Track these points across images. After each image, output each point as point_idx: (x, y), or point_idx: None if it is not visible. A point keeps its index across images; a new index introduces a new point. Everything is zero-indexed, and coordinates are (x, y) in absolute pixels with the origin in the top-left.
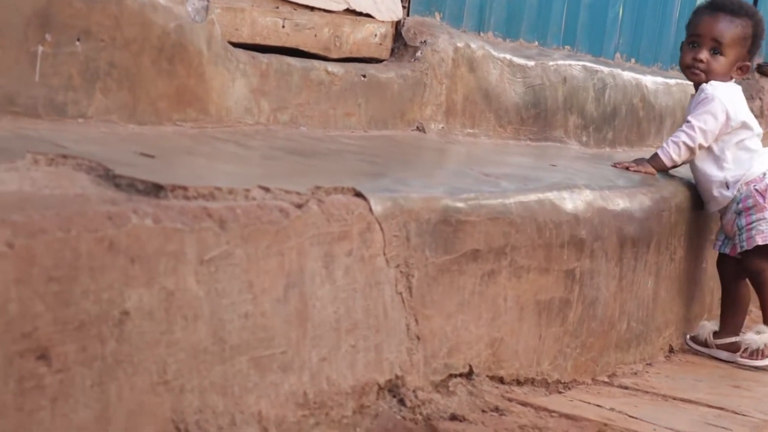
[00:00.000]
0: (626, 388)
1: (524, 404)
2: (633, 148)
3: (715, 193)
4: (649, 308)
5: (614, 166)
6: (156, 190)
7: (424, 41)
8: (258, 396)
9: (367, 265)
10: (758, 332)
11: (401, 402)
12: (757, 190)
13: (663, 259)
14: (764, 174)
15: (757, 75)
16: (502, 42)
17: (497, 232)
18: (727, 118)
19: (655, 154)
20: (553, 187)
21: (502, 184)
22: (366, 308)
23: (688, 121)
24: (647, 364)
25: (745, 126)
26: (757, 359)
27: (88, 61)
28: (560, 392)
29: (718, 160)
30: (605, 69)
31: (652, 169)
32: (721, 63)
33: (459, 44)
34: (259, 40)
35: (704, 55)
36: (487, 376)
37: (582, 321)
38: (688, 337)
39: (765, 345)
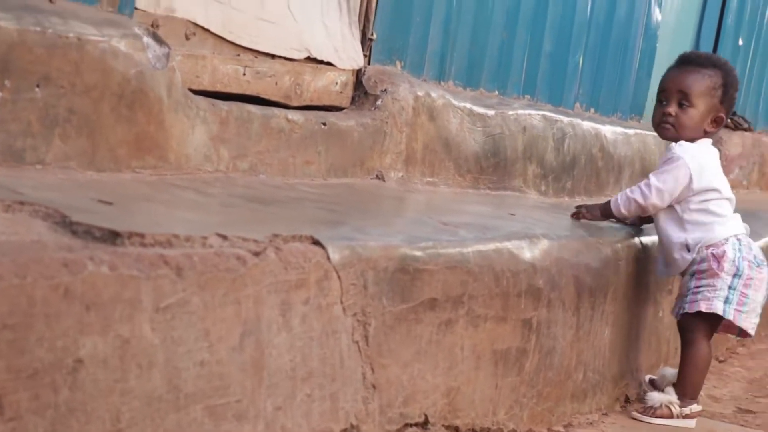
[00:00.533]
0: None
1: None
2: (592, 197)
3: (676, 255)
4: (605, 358)
5: (572, 216)
6: (113, 237)
7: (385, 90)
8: None
9: (324, 313)
10: (664, 392)
11: None
12: (713, 255)
13: (619, 309)
14: (726, 239)
15: None
16: (462, 91)
17: (455, 281)
18: (690, 181)
19: (608, 202)
20: (512, 236)
21: (460, 233)
22: (322, 357)
23: (648, 178)
24: (603, 414)
25: (711, 189)
26: (648, 415)
27: (48, 108)
28: None
29: (681, 222)
30: (565, 119)
31: (598, 215)
32: (690, 116)
33: (419, 93)
34: (219, 88)
35: (672, 108)
36: (443, 425)
37: (538, 370)
38: (647, 378)
39: (662, 405)
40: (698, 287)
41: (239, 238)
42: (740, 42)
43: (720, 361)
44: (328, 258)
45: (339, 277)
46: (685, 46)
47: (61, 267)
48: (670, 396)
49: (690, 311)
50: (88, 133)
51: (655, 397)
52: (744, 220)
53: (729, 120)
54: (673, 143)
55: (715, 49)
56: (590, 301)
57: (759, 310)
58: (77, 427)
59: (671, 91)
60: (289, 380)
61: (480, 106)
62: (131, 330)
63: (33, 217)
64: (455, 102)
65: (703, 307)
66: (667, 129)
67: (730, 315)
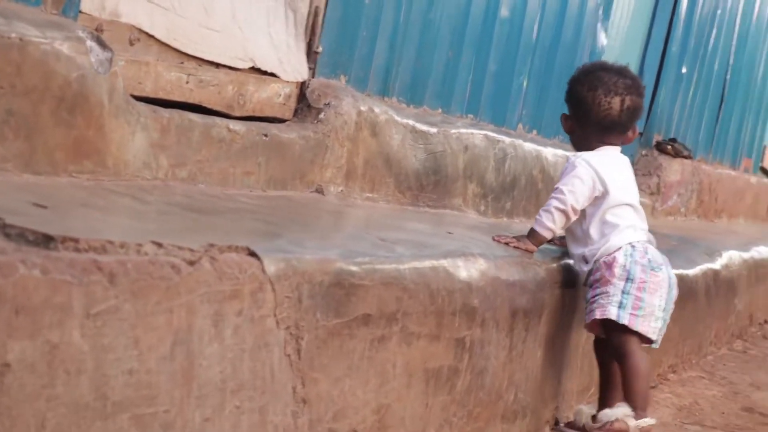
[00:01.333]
0: None
1: None
2: (530, 219)
3: (577, 267)
4: (537, 380)
5: (494, 239)
6: (46, 241)
7: (328, 103)
8: None
9: (257, 325)
10: (616, 406)
11: None
12: (605, 263)
13: (553, 331)
14: (619, 248)
15: (655, 152)
16: (406, 107)
17: (390, 297)
18: (594, 182)
19: (532, 230)
20: (448, 254)
21: (397, 250)
22: (253, 369)
23: (555, 189)
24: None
25: (608, 192)
26: (605, 431)
27: None
28: None
29: (582, 237)
30: (507, 139)
31: (532, 247)
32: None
33: (363, 108)
34: (162, 95)
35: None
36: None
37: (470, 390)
38: (562, 424)
39: (617, 419)
40: (594, 296)
41: (174, 246)
42: (684, 70)
43: (651, 387)
44: (264, 270)
45: (274, 289)
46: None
47: None
48: (623, 409)
49: (587, 321)
50: (26, 135)
51: (608, 413)
52: (681, 248)
53: (669, 147)
54: (570, 155)
55: (658, 76)
56: (524, 322)
57: (660, 314)
58: (1, 431)
59: None
60: (218, 392)
61: (423, 123)
62: (61, 335)
63: None
64: (398, 118)
65: (598, 314)
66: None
67: (625, 320)
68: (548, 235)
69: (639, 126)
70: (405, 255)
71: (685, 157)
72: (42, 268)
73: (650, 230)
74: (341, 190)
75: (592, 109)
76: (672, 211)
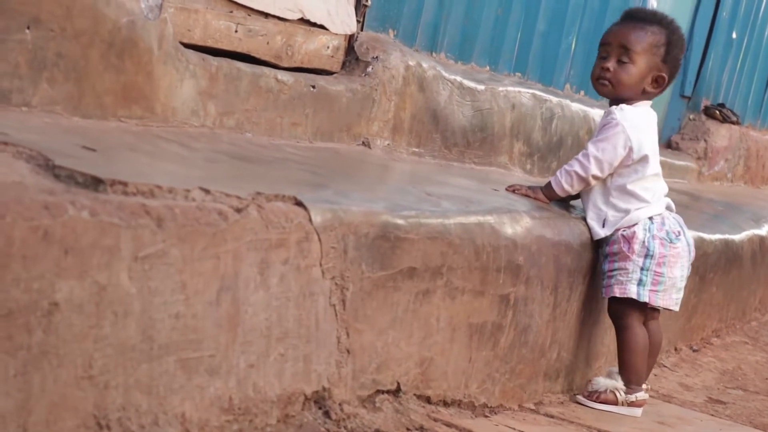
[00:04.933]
0: (552, 417)
1: (449, 425)
2: None
3: (592, 224)
4: (579, 339)
5: (508, 189)
6: (95, 183)
7: (376, 57)
8: (183, 398)
9: (303, 274)
10: (608, 375)
11: (326, 414)
12: (624, 236)
13: (597, 291)
14: (638, 222)
15: (703, 117)
16: (453, 64)
17: (435, 252)
18: (630, 150)
19: (549, 183)
20: (494, 211)
21: (443, 205)
22: (298, 318)
23: (586, 148)
24: (574, 395)
25: (644, 161)
26: (592, 400)
27: (36, 50)
28: (486, 416)
29: (603, 194)
30: (554, 99)
31: (543, 198)
32: (630, 73)
33: (410, 62)
34: (211, 43)
35: (611, 64)
36: (415, 394)
37: (513, 347)
38: (581, 395)
39: (607, 389)
40: (611, 271)
41: (222, 193)
42: (734, 35)
43: (694, 351)
44: (310, 220)
45: (320, 239)
46: None
47: (42, 209)
48: (615, 382)
49: (606, 296)
50: (75, 79)
51: (600, 382)
52: (727, 213)
53: (717, 112)
54: (614, 107)
55: (708, 41)
56: (569, 281)
57: (680, 284)
58: (49, 370)
59: (612, 45)
60: (263, 339)
61: (470, 80)
62: (108, 277)
63: (16, 159)
64: (446, 74)
65: (617, 292)
66: (605, 85)
67: (645, 297)
68: (562, 194)
69: (687, 90)
70: (451, 210)
71: (733, 123)
72: (91, 210)
73: (697, 195)
74: (387, 144)
75: (667, 62)
76: (718, 177)
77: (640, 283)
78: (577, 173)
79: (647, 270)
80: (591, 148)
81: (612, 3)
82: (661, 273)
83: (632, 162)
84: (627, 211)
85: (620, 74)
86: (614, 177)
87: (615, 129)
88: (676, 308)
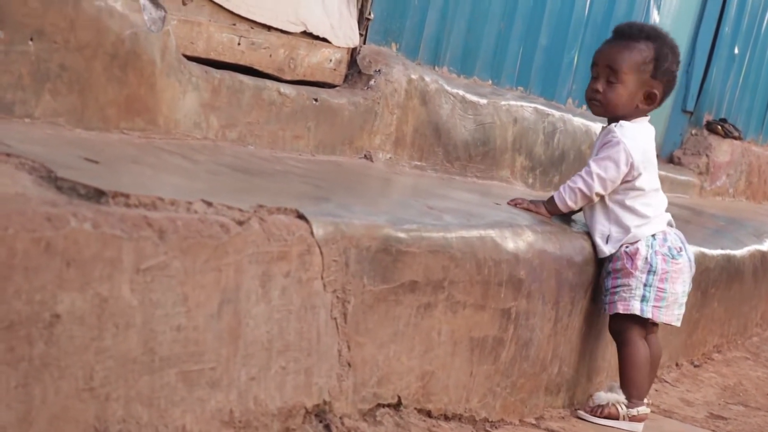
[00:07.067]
0: (553, 431)
1: None
2: None
3: (596, 241)
4: (581, 354)
5: (510, 203)
6: (98, 195)
7: (379, 70)
8: (184, 410)
9: (304, 287)
10: (609, 390)
11: (327, 428)
12: (627, 253)
13: (598, 306)
14: (641, 239)
15: (705, 131)
16: (456, 77)
17: (437, 265)
18: (631, 167)
19: (551, 198)
20: (496, 225)
21: (445, 218)
22: (299, 331)
23: (588, 166)
24: (575, 410)
25: (644, 176)
26: (595, 415)
27: (40, 62)
28: (487, 430)
29: (605, 212)
30: (556, 113)
31: (545, 212)
32: (618, 93)
33: (413, 76)
34: (213, 56)
35: (600, 85)
36: (415, 408)
37: (514, 361)
38: (583, 410)
39: (609, 404)
40: (615, 287)
41: (224, 206)
42: (736, 50)
43: (695, 366)
44: (312, 233)
45: (321, 252)
46: (681, 50)
47: (44, 221)
48: (617, 395)
49: (609, 312)
50: (78, 91)
51: (602, 397)
52: (729, 228)
53: (719, 127)
54: (613, 125)
55: (710, 55)
56: (570, 296)
57: (682, 300)
58: (50, 381)
59: (600, 66)
60: (264, 351)
61: (473, 94)
62: (110, 289)
63: (19, 170)
64: (448, 88)
65: (621, 309)
66: (596, 106)
67: (648, 314)
68: (565, 210)
69: (690, 104)
70: (452, 224)
71: (735, 138)
72: (93, 222)
73: (698, 210)
74: (390, 158)
75: (657, 77)
76: (720, 192)
77: (643, 299)
78: (581, 190)
79: (650, 286)
80: (594, 166)
81: (615, 17)
82: (664, 289)
83: (632, 178)
84: (629, 228)
85: (609, 95)
86: (614, 193)
87: (617, 147)
88: (678, 324)
